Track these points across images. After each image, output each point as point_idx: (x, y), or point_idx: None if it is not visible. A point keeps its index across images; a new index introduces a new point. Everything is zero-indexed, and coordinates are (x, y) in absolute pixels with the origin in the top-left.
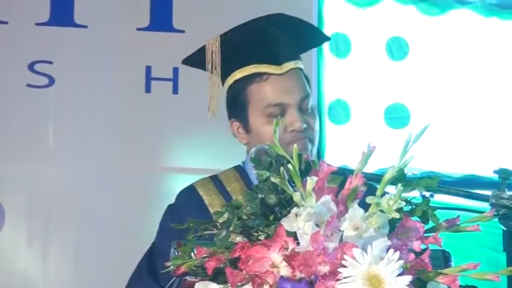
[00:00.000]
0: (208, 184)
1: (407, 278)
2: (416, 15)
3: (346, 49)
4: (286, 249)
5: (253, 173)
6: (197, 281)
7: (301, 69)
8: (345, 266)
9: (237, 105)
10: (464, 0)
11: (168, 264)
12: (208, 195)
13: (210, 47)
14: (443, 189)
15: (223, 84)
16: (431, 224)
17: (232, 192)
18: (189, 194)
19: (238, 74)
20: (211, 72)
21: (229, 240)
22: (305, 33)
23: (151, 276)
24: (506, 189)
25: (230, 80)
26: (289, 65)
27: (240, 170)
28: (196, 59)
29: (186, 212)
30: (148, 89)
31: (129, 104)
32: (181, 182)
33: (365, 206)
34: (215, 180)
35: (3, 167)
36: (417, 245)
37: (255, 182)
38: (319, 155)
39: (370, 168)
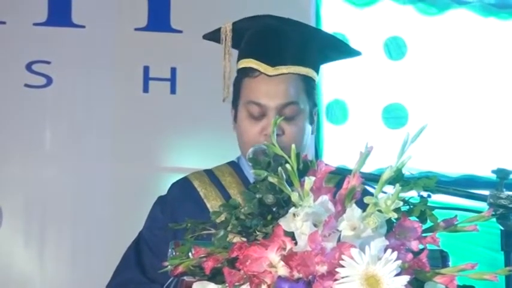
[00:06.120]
0: (202, 177)
1: (405, 278)
2: (414, 15)
3: None
4: (284, 249)
5: (247, 168)
6: (195, 281)
7: (302, 76)
8: (343, 266)
9: (234, 93)
10: (462, 0)
11: (165, 264)
12: (203, 188)
13: (224, 30)
14: (441, 189)
15: None
16: (429, 223)
17: (227, 186)
18: (184, 185)
19: (240, 64)
20: (224, 56)
21: (227, 240)
22: (325, 44)
23: (137, 267)
24: (504, 189)
25: (237, 67)
26: (283, 69)
27: (233, 165)
28: (215, 36)
29: (179, 204)
30: (146, 89)
31: (126, 104)
32: None
33: (362, 206)
34: (209, 173)
35: (0, 167)
36: (415, 245)
37: (250, 177)
38: (317, 155)
39: (368, 168)
